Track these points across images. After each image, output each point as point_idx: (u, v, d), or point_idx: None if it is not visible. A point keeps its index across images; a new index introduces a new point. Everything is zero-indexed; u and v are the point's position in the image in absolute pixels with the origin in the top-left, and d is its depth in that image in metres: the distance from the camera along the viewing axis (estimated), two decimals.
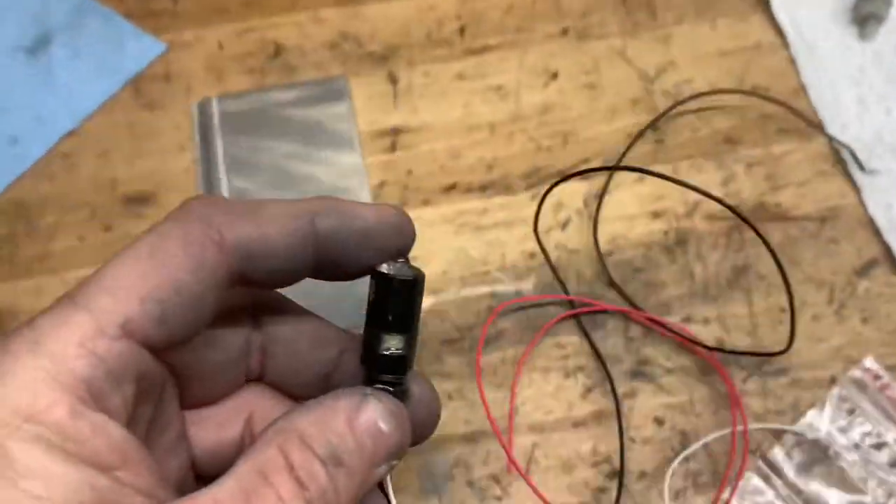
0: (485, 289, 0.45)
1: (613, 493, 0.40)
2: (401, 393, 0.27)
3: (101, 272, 0.23)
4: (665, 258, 0.45)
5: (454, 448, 0.41)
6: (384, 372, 0.27)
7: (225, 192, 0.46)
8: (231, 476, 0.23)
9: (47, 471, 0.20)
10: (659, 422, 0.41)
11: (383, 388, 0.27)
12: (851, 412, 0.41)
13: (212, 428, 0.29)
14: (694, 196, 0.46)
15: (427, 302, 0.45)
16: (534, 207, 0.42)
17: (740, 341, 0.43)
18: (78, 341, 0.22)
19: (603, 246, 0.46)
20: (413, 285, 0.27)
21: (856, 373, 0.42)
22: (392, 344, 0.27)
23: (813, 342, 0.43)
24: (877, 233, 0.45)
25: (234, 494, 0.22)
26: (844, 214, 0.46)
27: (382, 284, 0.27)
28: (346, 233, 0.26)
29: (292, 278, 0.27)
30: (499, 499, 0.40)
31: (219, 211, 0.25)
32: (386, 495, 0.28)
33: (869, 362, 0.42)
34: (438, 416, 0.30)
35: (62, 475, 0.20)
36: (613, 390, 0.42)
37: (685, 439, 0.41)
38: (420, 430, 0.29)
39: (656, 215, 0.46)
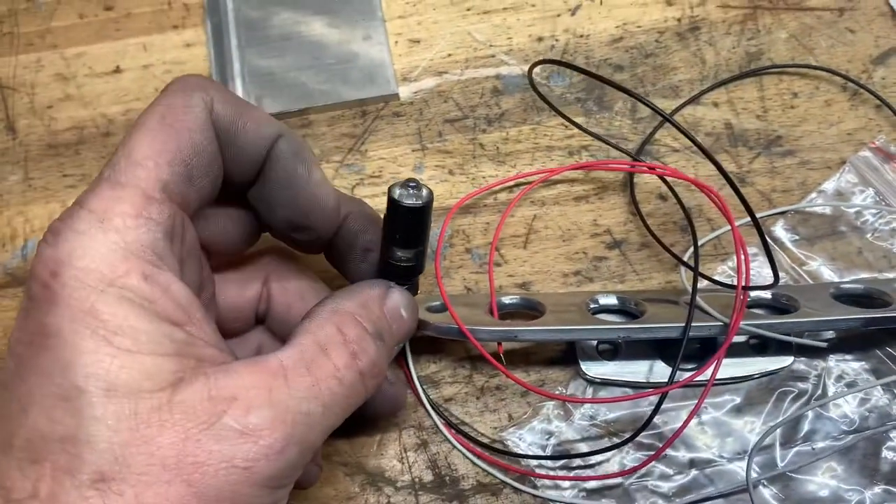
0: (489, 71, 0.44)
1: (612, 263, 0.40)
2: (412, 288, 0.32)
3: (124, 149, 0.26)
4: (677, 44, 0.44)
5: (455, 218, 0.41)
6: (394, 278, 0.31)
7: None
8: (294, 346, 0.26)
9: (133, 327, 0.23)
10: (663, 198, 0.41)
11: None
12: (861, 190, 0.40)
13: (234, 289, 0.33)
14: None
15: (430, 83, 0.44)
16: None
17: (749, 124, 0.42)
18: (135, 213, 0.25)
19: (613, 31, 0.45)
20: (420, 211, 0.29)
21: (865, 152, 0.41)
22: (402, 255, 0.30)
23: (825, 126, 0.42)
24: None
25: (296, 362, 0.26)
26: (863, 5, 0.45)
27: (392, 207, 0.29)
28: (287, 165, 0.29)
29: (239, 174, 0.29)
30: (497, 264, 0.40)
31: (213, 87, 0.28)
32: (408, 366, 0.36)
33: (880, 140, 0.41)
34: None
35: (145, 330, 0.24)
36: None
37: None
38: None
39: (669, 3, 0.45)
